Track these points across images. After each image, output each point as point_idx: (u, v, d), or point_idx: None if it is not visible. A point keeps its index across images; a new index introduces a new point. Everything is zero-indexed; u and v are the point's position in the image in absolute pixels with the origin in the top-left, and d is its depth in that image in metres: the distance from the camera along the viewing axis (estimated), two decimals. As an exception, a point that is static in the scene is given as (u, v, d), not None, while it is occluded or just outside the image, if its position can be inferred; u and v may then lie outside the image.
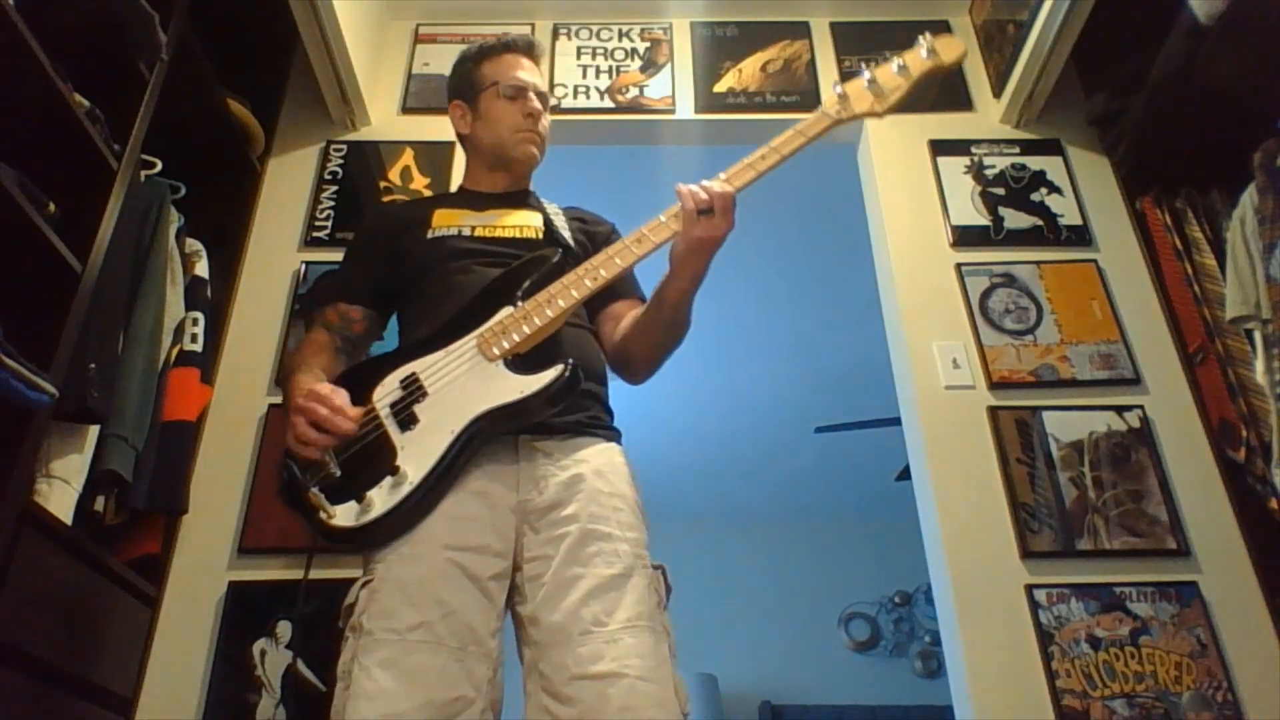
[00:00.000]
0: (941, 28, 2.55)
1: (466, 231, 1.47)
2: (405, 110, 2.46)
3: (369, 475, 1.19)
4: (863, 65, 1.40)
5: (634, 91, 2.51)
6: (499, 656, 1.15)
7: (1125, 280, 2.16)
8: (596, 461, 1.27)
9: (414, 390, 1.25)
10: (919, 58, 1.39)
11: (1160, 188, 2.16)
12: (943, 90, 2.50)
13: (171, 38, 1.73)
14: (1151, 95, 2.08)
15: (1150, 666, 1.70)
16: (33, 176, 1.38)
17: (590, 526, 1.19)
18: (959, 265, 2.18)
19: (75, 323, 1.40)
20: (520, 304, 1.30)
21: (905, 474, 3.49)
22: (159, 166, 1.89)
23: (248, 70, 2.24)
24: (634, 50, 2.60)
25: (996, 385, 2.01)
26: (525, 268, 1.34)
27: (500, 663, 1.15)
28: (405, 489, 1.17)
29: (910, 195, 2.31)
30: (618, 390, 1.44)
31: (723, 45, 2.61)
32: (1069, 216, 2.26)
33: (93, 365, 1.47)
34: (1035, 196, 2.30)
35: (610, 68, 2.56)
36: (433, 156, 2.32)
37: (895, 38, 2.21)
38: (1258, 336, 1.81)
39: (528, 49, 1.61)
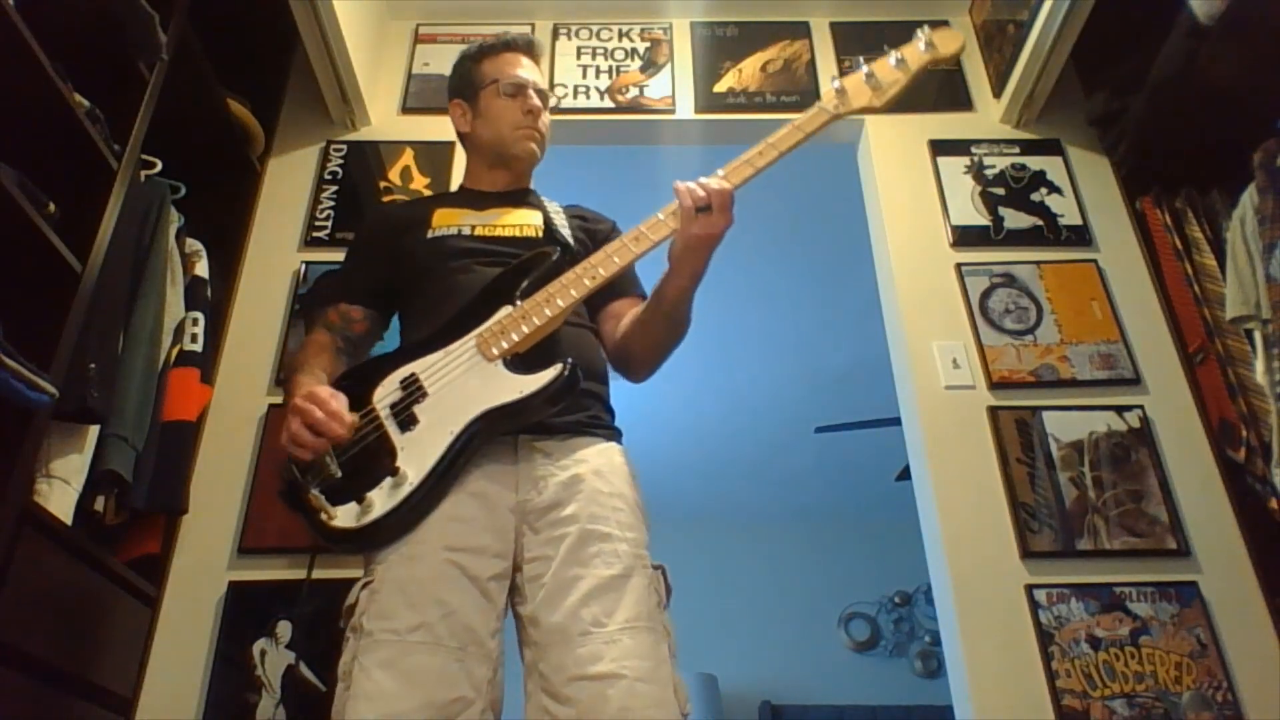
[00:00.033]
0: (941, 27, 2.55)
1: (466, 231, 1.47)
2: (405, 110, 2.46)
3: (369, 476, 1.19)
4: (861, 60, 1.40)
5: (634, 91, 2.51)
6: (499, 657, 1.15)
7: (1125, 280, 2.16)
8: (596, 462, 1.27)
9: (414, 391, 1.25)
10: (917, 51, 1.38)
11: (1160, 188, 2.16)
12: (943, 90, 2.51)
13: (171, 38, 1.73)
14: (1151, 95, 2.08)
15: (1150, 666, 1.70)
16: (33, 176, 1.38)
17: (590, 527, 1.19)
18: (959, 265, 2.18)
19: (75, 323, 1.40)
20: (519, 303, 1.30)
21: (905, 474, 3.49)
22: (159, 166, 1.89)
23: (248, 70, 2.24)
24: (634, 50, 2.60)
25: (996, 385, 2.01)
26: (524, 267, 1.34)
27: (500, 663, 1.15)
28: (405, 490, 1.17)
29: (910, 195, 2.31)
30: (618, 390, 1.44)
31: (723, 45, 2.61)
32: (1069, 216, 2.26)
33: (93, 365, 1.46)
34: (1035, 196, 2.30)
35: (610, 68, 2.56)
36: (433, 156, 2.32)
37: (895, 38, 2.20)
38: (1258, 336, 1.81)
39: (527, 47, 1.62)
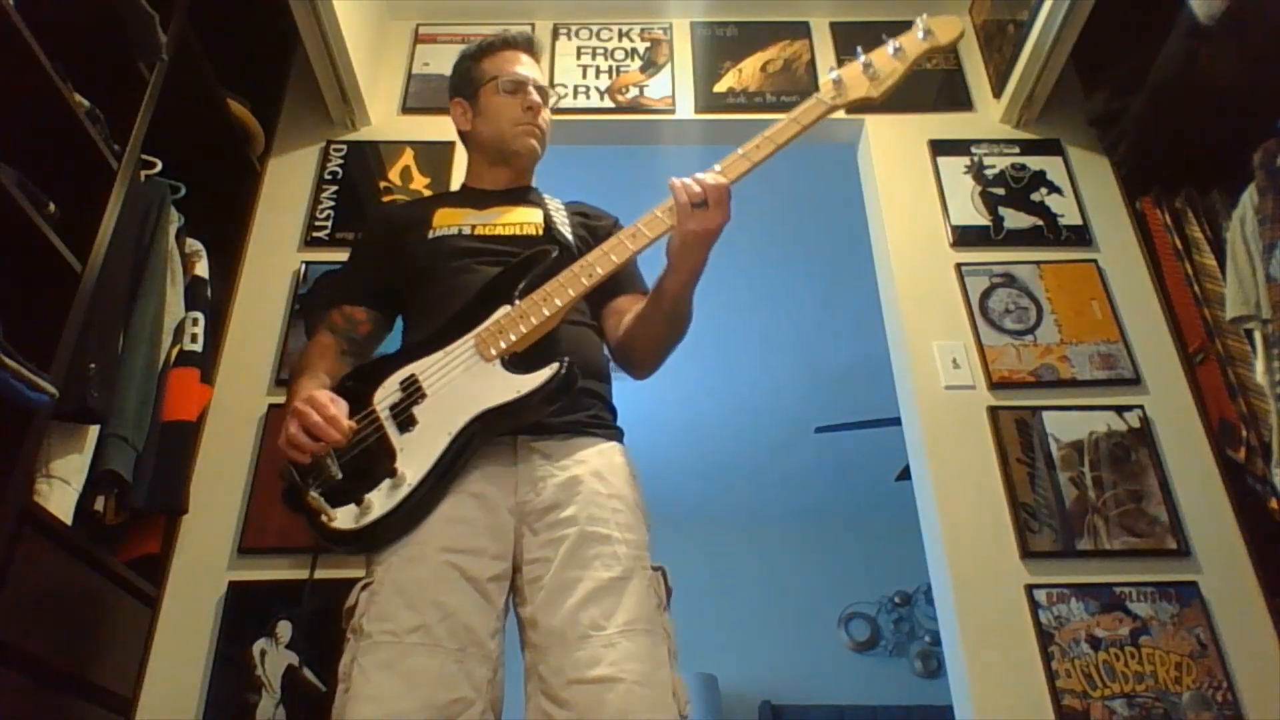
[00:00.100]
0: (940, 15, 2.55)
1: (467, 230, 1.47)
2: (405, 110, 2.46)
3: (369, 478, 1.19)
4: (859, 50, 1.37)
5: (634, 91, 2.51)
6: (499, 657, 1.15)
7: (1125, 280, 2.16)
8: (595, 462, 1.27)
9: (413, 392, 1.25)
10: (915, 39, 1.36)
11: (1160, 188, 2.16)
12: (943, 90, 2.51)
13: (171, 38, 1.73)
14: (1151, 95, 2.08)
15: (1150, 666, 1.70)
16: (33, 176, 1.38)
17: (589, 529, 1.19)
18: (959, 265, 2.18)
19: (75, 323, 1.40)
20: (517, 303, 1.29)
21: (905, 474, 3.49)
22: (159, 166, 1.89)
23: (248, 70, 2.24)
24: (634, 50, 2.60)
25: (996, 385, 2.01)
26: (523, 266, 1.33)
27: (501, 663, 1.15)
28: (403, 491, 1.17)
29: (910, 195, 2.31)
30: (618, 390, 1.44)
31: (723, 45, 2.61)
32: (1069, 216, 2.26)
33: (93, 365, 1.46)
34: (1035, 196, 2.30)
35: (610, 68, 2.56)
36: (433, 156, 2.32)
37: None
38: (1258, 336, 1.81)
39: (527, 45, 1.62)
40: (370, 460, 1.21)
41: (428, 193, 2.25)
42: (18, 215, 1.30)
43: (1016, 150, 2.37)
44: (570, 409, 1.29)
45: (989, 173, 2.33)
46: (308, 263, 2.15)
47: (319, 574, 1.49)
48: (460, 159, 2.28)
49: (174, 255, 1.85)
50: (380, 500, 1.17)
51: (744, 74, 2.55)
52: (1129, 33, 2.18)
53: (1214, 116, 2.02)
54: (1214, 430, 1.93)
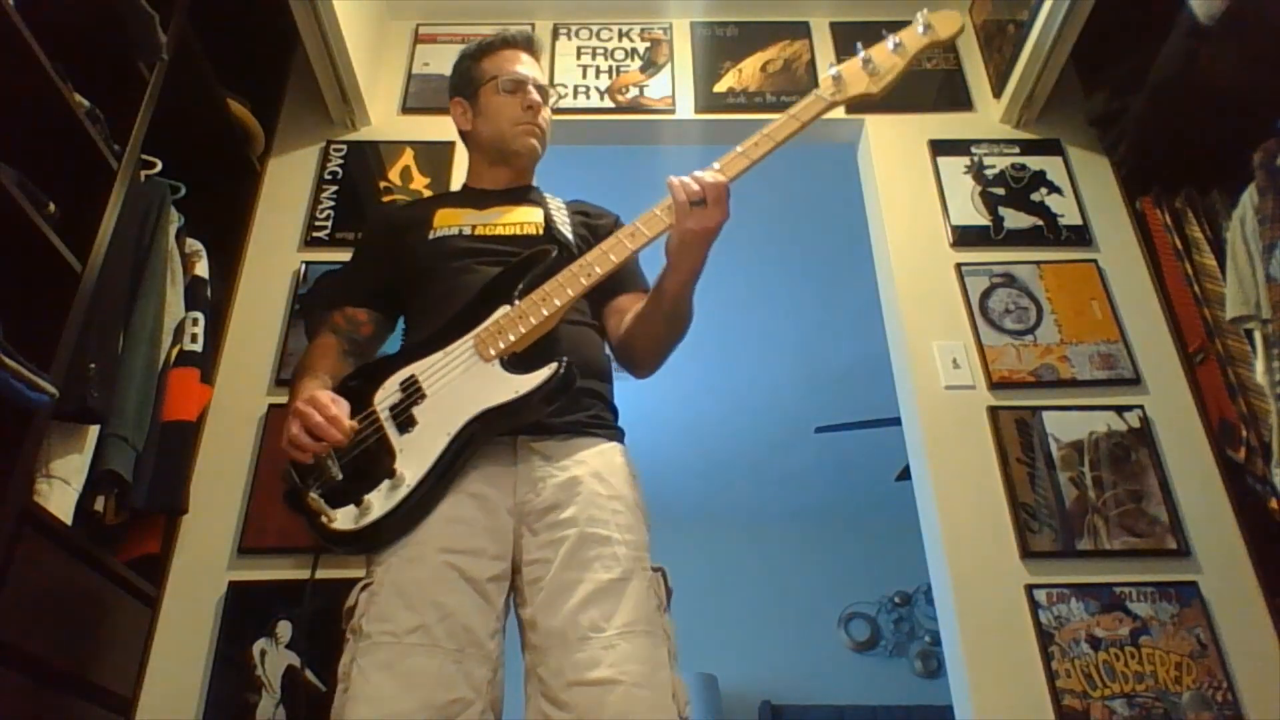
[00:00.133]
0: (940, 10, 2.55)
1: (467, 231, 1.47)
2: (405, 110, 2.46)
3: (369, 479, 1.19)
4: (859, 46, 1.36)
5: (634, 91, 2.51)
6: (499, 658, 1.15)
7: (1125, 280, 2.16)
8: (595, 463, 1.26)
9: (413, 392, 1.25)
10: (915, 34, 1.35)
11: (1160, 188, 2.16)
12: (943, 90, 2.51)
13: (171, 38, 1.73)
14: (1151, 95, 2.08)
15: (1150, 666, 1.70)
16: (33, 176, 1.38)
17: (589, 530, 1.19)
18: (959, 265, 2.18)
19: (75, 323, 1.40)
20: (517, 303, 1.29)
21: (905, 474, 3.49)
22: (159, 166, 1.89)
23: (248, 70, 2.24)
24: (634, 50, 2.60)
25: (996, 385, 2.01)
26: (522, 266, 1.33)
27: (501, 664, 1.15)
28: (402, 492, 1.17)
29: (910, 195, 2.31)
30: (617, 389, 1.43)
31: (723, 45, 2.61)
32: (1069, 216, 2.26)
33: (93, 365, 1.46)
34: (1035, 196, 2.30)
35: (610, 68, 2.56)
36: (433, 156, 2.32)
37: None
38: (1258, 336, 1.81)
39: (526, 44, 1.61)
40: (370, 461, 1.21)
41: (428, 193, 2.25)
42: (18, 215, 1.30)
43: (1016, 150, 2.37)
44: (570, 409, 1.29)
45: (989, 173, 2.33)
46: (308, 263, 2.15)
47: (320, 574, 1.49)
48: (460, 159, 2.28)
49: (174, 255, 1.85)
50: (379, 501, 1.17)
51: (744, 74, 2.55)
52: (1129, 33, 2.18)
53: (1214, 116, 2.02)
54: (1214, 430, 1.93)
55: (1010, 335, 2.07)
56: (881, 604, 5.40)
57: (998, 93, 2.42)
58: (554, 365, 1.23)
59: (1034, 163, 2.35)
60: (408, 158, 2.33)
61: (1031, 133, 2.40)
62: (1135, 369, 2.03)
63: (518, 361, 1.26)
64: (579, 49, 2.60)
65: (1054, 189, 2.31)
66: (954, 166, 2.34)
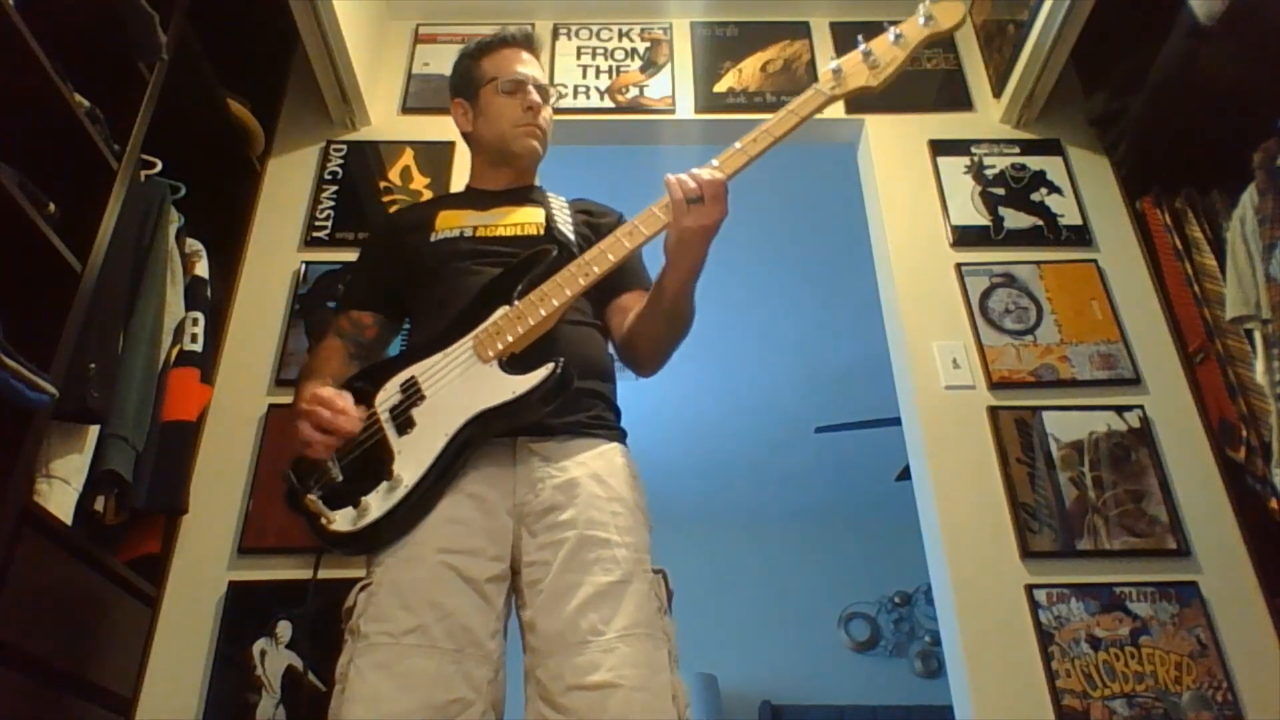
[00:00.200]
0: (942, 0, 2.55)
1: (469, 232, 1.47)
2: (405, 110, 2.46)
3: (368, 480, 1.20)
4: (860, 39, 1.35)
5: (634, 91, 2.51)
6: (500, 658, 1.15)
7: (1125, 280, 2.15)
8: (594, 465, 1.26)
9: (412, 394, 1.25)
10: (916, 25, 1.34)
11: (1160, 188, 2.16)
12: (943, 90, 2.51)
13: (171, 38, 1.73)
14: (1151, 95, 2.08)
15: (1150, 666, 1.70)
16: (33, 176, 1.38)
17: (588, 533, 1.18)
18: (959, 265, 2.18)
19: (75, 323, 1.40)
20: (516, 304, 1.29)
21: (905, 474, 3.49)
22: (159, 166, 1.89)
23: (248, 70, 2.24)
24: (634, 50, 2.60)
25: (996, 385, 2.01)
26: (522, 267, 1.33)
27: (502, 664, 1.15)
28: (400, 493, 1.18)
29: (910, 195, 2.31)
30: (618, 389, 1.43)
31: (723, 45, 2.61)
32: (1069, 216, 2.26)
33: (93, 365, 1.47)
34: (1035, 196, 2.30)
35: (610, 68, 2.56)
36: (433, 156, 2.32)
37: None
38: (1258, 336, 1.81)
39: (526, 42, 1.61)
40: (370, 462, 1.21)
41: (428, 193, 2.25)
42: (18, 215, 1.30)
43: (1016, 150, 2.37)
44: (571, 409, 1.29)
45: (989, 173, 2.33)
46: (308, 263, 2.15)
47: (321, 574, 1.49)
48: (460, 159, 2.28)
49: (174, 255, 1.85)
50: (377, 502, 1.17)
51: (744, 74, 2.55)
52: (1129, 33, 2.18)
53: (1214, 116, 2.02)
54: (1214, 430, 1.93)
55: (1010, 335, 2.07)
56: (881, 604, 5.40)
57: (998, 93, 2.42)
58: (551, 365, 1.22)
59: (1034, 163, 2.35)
60: (408, 158, 2.33)
61: (1031, 133, 2.40)
62: (1135, 369, 2.03)
63: (517, 362, 1.25)
64: (579, 49, 2.60)
65: (1054, 189, 2.31)
66: (954, 166, 2.34)
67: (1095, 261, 2.18)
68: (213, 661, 1.70)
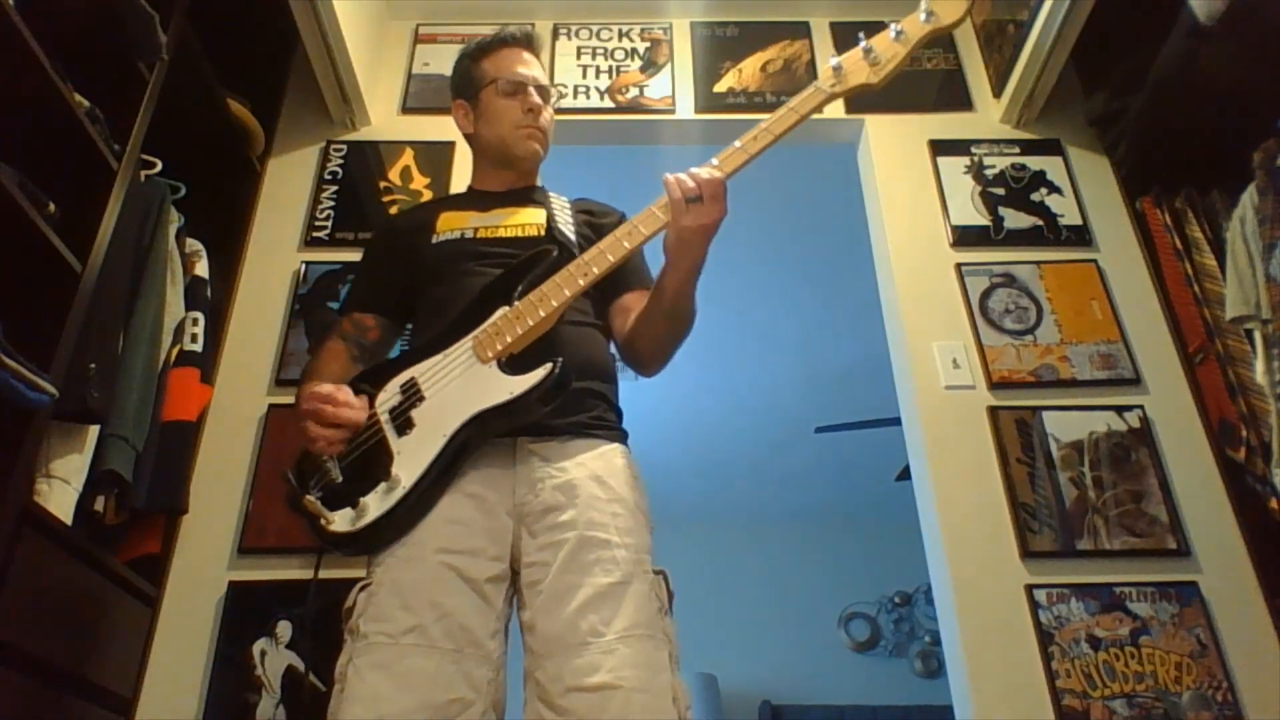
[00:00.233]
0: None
1: (469, 234, 1.47)
2: (405, 110, 2.46)
3: (367, 481, 1.20)
4: (861, 35, 1.34)
5: (634, 91, 2.51)
6: (500, 658, 1.15)
7: (1125, 280, 2.15)
8: (594, 465, 1.26)
9: (412, 395, 1.25)
10: (917, 21, 1.32)
11: (1160, 188, 2.16)
12: (943, 90, 2.51)
13: (171, 38, 1.73)
14: (1151, 95, 2.08)
15: (1150, 666, 1.70)
16: (33, 176, 1.38)
17: (588, 534, 1.18)
18: (959, 265, 2.18)
19: (75, 323, 1.40)
20: (515, 304, 1.29)
21: (905, 474, 3.49)
22: (159, 166, 1.89)
23: (248, 70, 2.24)
24: (634, 50, 2.60)
25: (996, 385, 2.01)
26: (522, 268, 1.33)
27: (503, 664, 1.15)
28: (398, 494, 1.18)
29: (910, 195, 2.31)
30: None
31: (723, 45, 2.61)
32: (1069, 216, 2.26)
33: (93, 365, 1.47)
34: (1035, 196, 2.30)
35: (610, 68, 2.56)
36: (433, 156, 2.32)
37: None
38: (1258, 336, 1.81)
39: (526, 42, 1.61)
40: (369, 463, 1.21)
41: (428, 193, 2.25)
42: (18, 215, 1.30)
43: (1016, 150, 2.37)
44: (571, 410, 1.28)
45: (989, 173, 2.33)
46: (308, 263, 2.15)
47: (322, 574, 1.49)
48: (460, 159, 2.28)
49: (174, 255, 1.85)
50: (376, 503, 1.17)
51: (744, 74, 2.55)
52: (1129, 33, 2.18)
53: (1214, 116, 2.02)
54: (1214, 430, 1.93)
55: (1010, 335, 2.07)
56: (881, 604, 5.40)
57: (998, 93, 2.42)
58: (549, 366, 1.22)
59: (1034, 163, 2.35)
60: (408, 158, 2.33)
61: (1031, 133, 2.40)
62: (1135, 369, 2.03)
63: (516, 363, 1.25)
64: (579, 49, 2.60)
65: (1054, 189, 2.31)
66: (954, 166, 2.34)
67: (1095, 261, 2.18)
68: (213, 661, 1.70)
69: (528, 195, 1.55)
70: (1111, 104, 2.30)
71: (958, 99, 2.48)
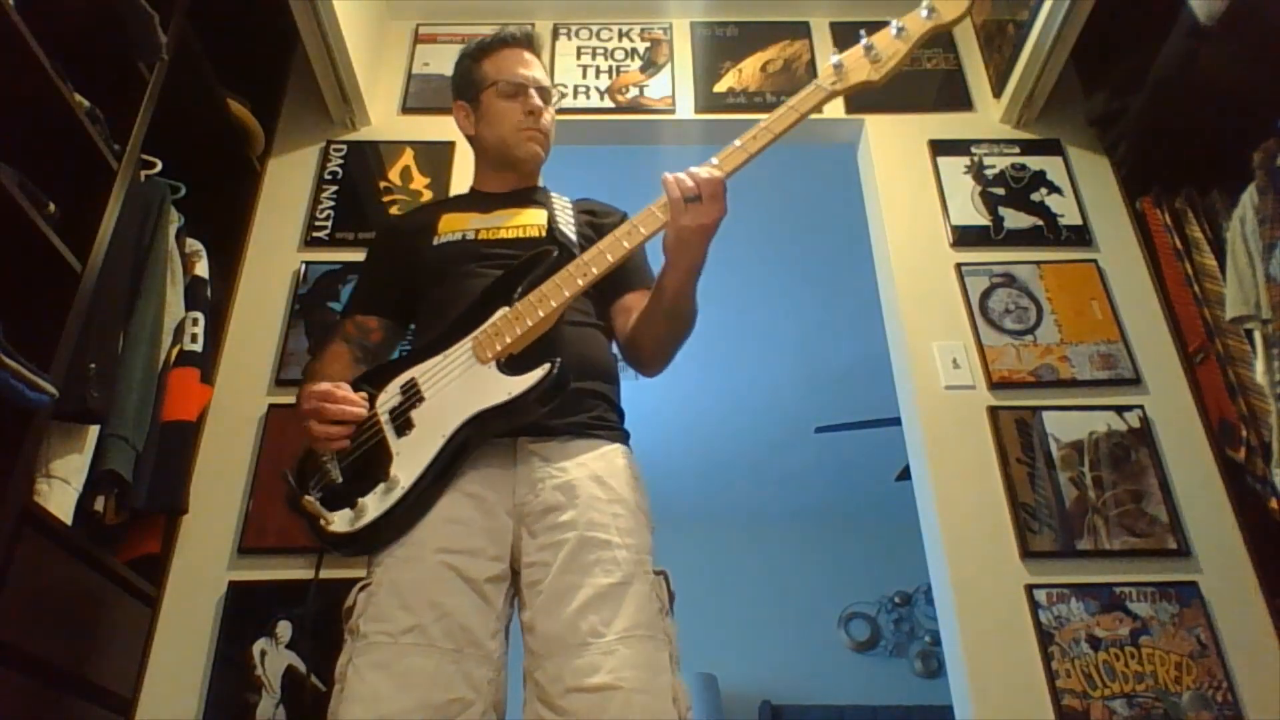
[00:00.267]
0: (942, 27, 2.55)
1: (471, 236, 1.47)
2: (405, 110, 2.46)
3: (367, 481, 1.20)
4: (862, 33, 1.33)
5: (634, 91, 2.51)
6: (501, 658, 1.15)
7: (1125, 280, 2.16)
8: (595, 465, 1.26)
9: (412, 396, 1.25)
10: (919, 18, 1.31)
11: (1160, 188, 2.16)
12: (943, 90, 2.51)
13: (171, 38, 1.73)
14: (1151, 95, 2.08)
15: (1150, 666, 1.70)
16: (33, 176, 1.38)
17: (588, 534, 1.18)
18: (959, 265, 2.18)
19: (75, 323, 1.40)
20: (515, 305, 1.29)
21: (905, 474, 3.49)
22: (159, 166, 1.89)
23: (248, 70, 2.24)
24: (634, 50, 2.60)
25: (996, 385, 2.01)
26: (523, 268, 1.33)
27: (504, 664, 1.15)
28: (396, 494, 1.18)
29: (910, 195, 2.31)
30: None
31: (723, 45, 2.61)
32: (1069, 216, 2.26)
33: (93, 365, 1.47)
34: (1035, 196, 2.30)
35: (610, 68, 2.56)
36: (433, 156, 2.32)
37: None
38: (1258, 336, 1.81)
39: (527, 42, 1.60)
40: (369, 464, 1.21)
41: (428, 193, 2.25)
42: (18, 215, 1.30)
43: (1016, 150, 2.37)
44: (572, 410, 1.28)
45: (989, 173, 2.33)
46: (308, 263, 2.15)
47: (325, 574, 1.49)
48: (459, 159, 2.28)
49: (174, 255, 1.85)
50: (374, 503, 1.17)
51: (744, 74, 2.55)
52: (1129, 33, 2.18)
53: (1214, 116, 2.02)
54: (1214, 430, 1.93)
55: (1010, 335, 2.07)
56: (881, 604, 5.40)
57: (998, 93, 2.42)
58: (546, 366, 1.22)
59: (1034, 163, 2.35)
60: (408, 158, 2.33)
61: (1031, 133, 2.40)
62: (1135, 369, 2.03)
63: (515, 363, 1.25)
64: (579, 49, 2.60)
65: (1054, 189, 2.31)
66: (954, 166, 2.34)
67: (1095, 261, 2.18)
68: (213, 661, 1.70)
69: (529, 196, 1.55)
70: (1111, 104, 2.30)
71: (958, 99, 2.48)
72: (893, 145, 2.40)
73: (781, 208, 3.20)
